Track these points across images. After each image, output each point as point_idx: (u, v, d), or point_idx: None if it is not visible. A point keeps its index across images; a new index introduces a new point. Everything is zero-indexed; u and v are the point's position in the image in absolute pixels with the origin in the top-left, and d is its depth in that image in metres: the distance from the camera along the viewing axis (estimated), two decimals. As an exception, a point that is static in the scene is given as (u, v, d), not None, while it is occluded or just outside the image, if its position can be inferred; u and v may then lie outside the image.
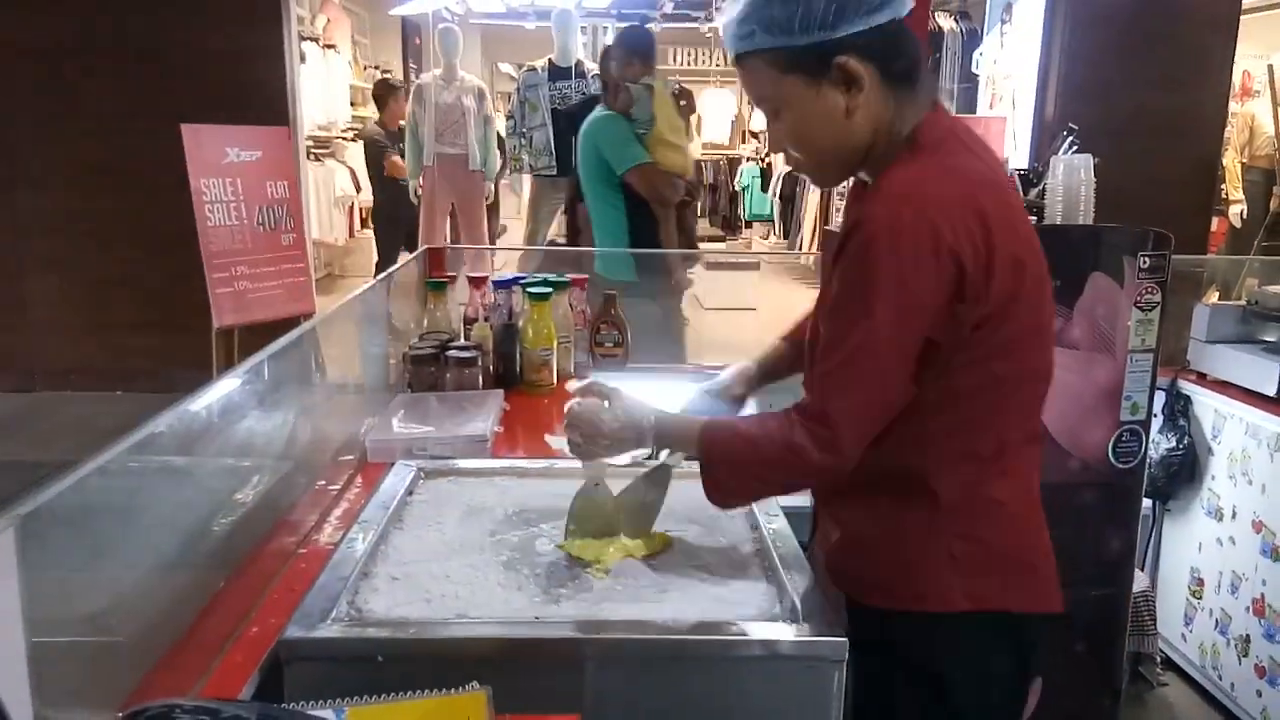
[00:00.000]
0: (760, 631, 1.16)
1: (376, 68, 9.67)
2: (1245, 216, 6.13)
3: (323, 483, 1.67)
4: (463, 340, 2.40)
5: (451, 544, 1.38)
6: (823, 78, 1.14)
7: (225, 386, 1.40)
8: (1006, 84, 4.92)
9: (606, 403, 1.34)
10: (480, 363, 2.25)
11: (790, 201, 9.47)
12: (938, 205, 1.09)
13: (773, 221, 10.11)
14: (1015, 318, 1.13)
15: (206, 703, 0.78)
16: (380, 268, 6.10)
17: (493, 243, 6.65)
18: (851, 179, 1.29)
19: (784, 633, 1.15)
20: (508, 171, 5.98)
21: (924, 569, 1.19)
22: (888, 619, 1.20)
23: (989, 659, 1.21)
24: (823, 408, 1.14)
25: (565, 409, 1.37)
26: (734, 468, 1.23)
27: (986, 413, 1.18)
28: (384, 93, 6.66)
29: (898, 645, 1.21)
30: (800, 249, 8.75)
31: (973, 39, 5.85)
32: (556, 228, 6.94)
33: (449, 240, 6.06)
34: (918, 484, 1.17)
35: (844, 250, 1.13)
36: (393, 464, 1.69)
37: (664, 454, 1.40)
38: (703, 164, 9.95)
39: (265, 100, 4.10)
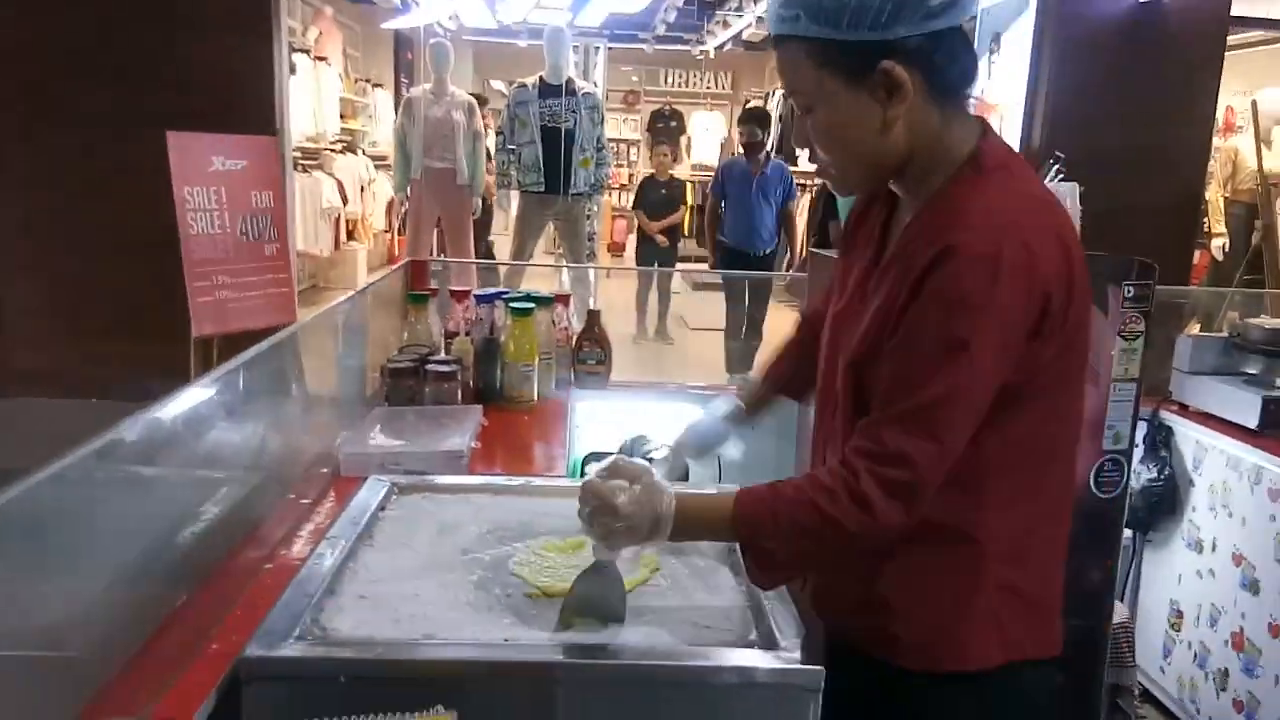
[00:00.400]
0: (736, 658, 1.13)
1: (368, 81, 9.68)
2: (1228, 250, 6.19)
3: (294, 496, 1.64)
4: (443, 354, 2.37)
5: (422, 562, 1.35)
6: (863, 80, 1.05)
7: (195, 395, 1.37)
8: (994, 114, 4.96)
9: (628, 484, 1.16)
10: (460, 377, 2.23)
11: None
12: (1033, 235, 1.01)
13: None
14: (1078, 350, 1.08)
15: (155, 724, 0.75)
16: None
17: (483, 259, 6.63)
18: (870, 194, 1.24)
19: (760, 660, 1.13)
20: (495, 189, 5.95)
21: (968, 627, 1.11)
22: (904, 679, 1.13)
23: (1010, 711, 1.15)
24: (904, 450, 1.01)
25: (581, 482, 1.21)
26: (782, 541, 1.09)
27: (1045, 453, 1.11)
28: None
29: (911, 704, 1.15)
30: (788, 270, 8.77)
31: (961, 68, 5.89)
32: (544, 244, 6.94)
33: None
34: (963, 535, 1.10)
35: (926, 277, 1.02)
36: (366, 478, 1.66)
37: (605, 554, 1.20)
38: (691, 185, 9.97)
39: (253, 110, 4.07)
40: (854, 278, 1.21)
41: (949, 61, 1.06)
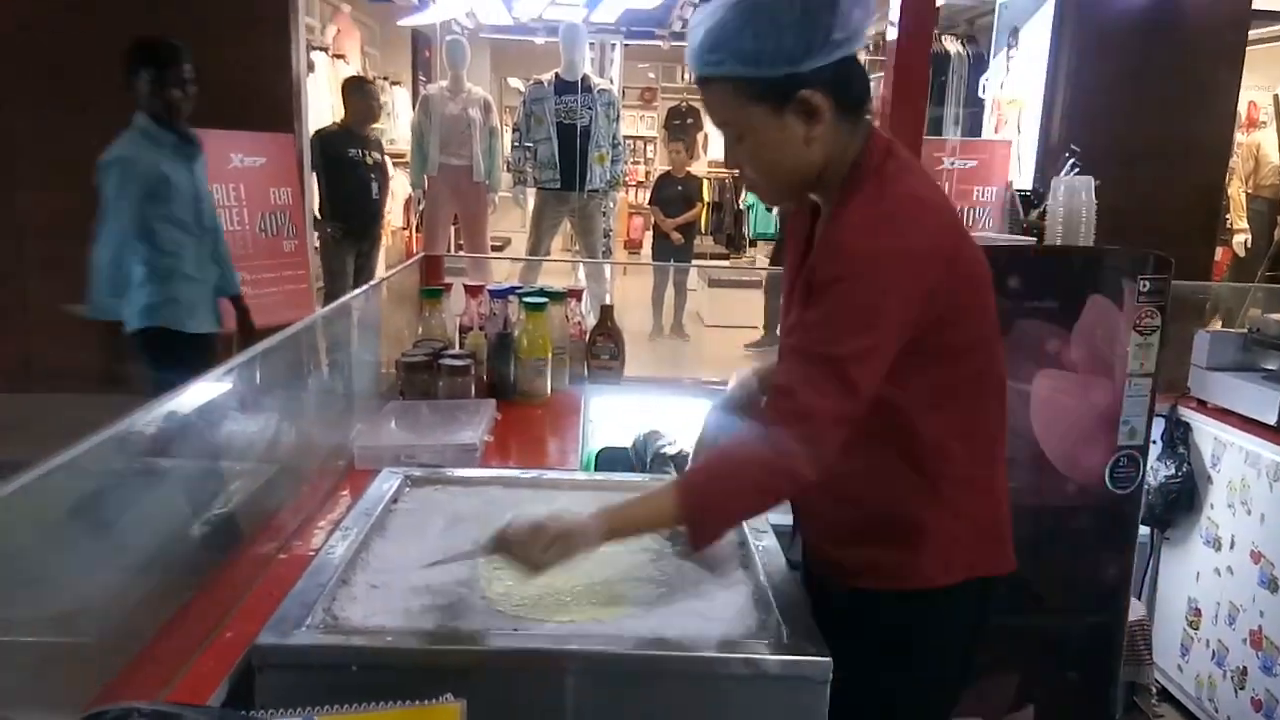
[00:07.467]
0: (744, 650, 1.13)
1: (385, 79, 9.71)
2: (1250, 246, 6.12)
3: (308, 488, 1.65)
4: (457, 349, 2.38)
5: (433, 553, 1.36)
6: (786, 108, 1.20)
7: (211, 387, 1.38)
8: (1012, 109, 4.92)
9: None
10: (473, 371, 2.24)
11: (794, 221, 9.46)
12: (910, 229, 1.18)
13: (776, 240, 10.10)
14: (977, 310, 1.26)
15: (166, 707, 0.76)
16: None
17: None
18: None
19: (769, 651, 1.13)
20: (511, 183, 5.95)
21: (929, 549, 1.27)
22: (871, 598, 1.29)
23: (968, 620, 1.34)
24: (809, 407, 1.17)
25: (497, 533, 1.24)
26: (728, 516, 1.27)
27: (973, 397, 1.28)
28: None
29: (878, 622, 1.29)
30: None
31: (979, 64, 5.85)
32: (560, 241, 6.93)
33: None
34: (916, 470, 1.26)
35: (821, 270, 1.19)
36: (380, 471, 1.67)
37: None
38: (708, 182, 9.95)
39: (271, 107, 4.10)
40: (790, 285, 1.36)
41: (851, 83, 1.23)
